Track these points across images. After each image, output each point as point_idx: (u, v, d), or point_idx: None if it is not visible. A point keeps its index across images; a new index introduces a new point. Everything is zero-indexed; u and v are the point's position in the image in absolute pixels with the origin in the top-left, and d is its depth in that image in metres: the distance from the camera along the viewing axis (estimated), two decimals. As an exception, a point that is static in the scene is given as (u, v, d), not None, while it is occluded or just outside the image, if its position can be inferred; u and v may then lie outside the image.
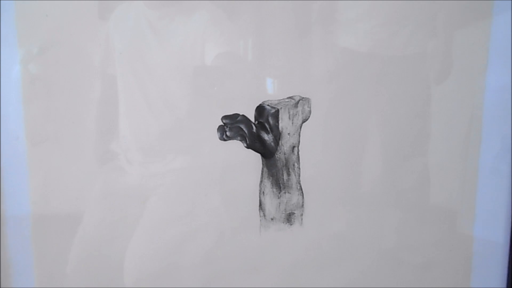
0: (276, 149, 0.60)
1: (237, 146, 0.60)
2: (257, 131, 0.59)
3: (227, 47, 0.58)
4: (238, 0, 0.57)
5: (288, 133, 0.60)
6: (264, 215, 0.62)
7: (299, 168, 0.61)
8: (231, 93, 0.59)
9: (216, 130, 0.59)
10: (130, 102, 0.58)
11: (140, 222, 0.61)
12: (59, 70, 0.57)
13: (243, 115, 0.58)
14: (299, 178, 0.61)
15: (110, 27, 0.57)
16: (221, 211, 0.61)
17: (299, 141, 0.60)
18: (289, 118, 0.60)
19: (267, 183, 0.61)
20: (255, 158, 0.60)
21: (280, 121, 0.59)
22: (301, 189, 0.62)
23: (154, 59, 0.58)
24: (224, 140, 0.59)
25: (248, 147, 0.59)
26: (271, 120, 0.59)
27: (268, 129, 0.59)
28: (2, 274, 0.60)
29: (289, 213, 0.62)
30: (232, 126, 0.58)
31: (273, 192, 0.61)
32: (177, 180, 0.60)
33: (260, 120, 0.59)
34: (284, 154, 0.60)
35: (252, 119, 0.59)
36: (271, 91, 0.59)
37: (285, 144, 0.60)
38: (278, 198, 0.61)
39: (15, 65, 0.57)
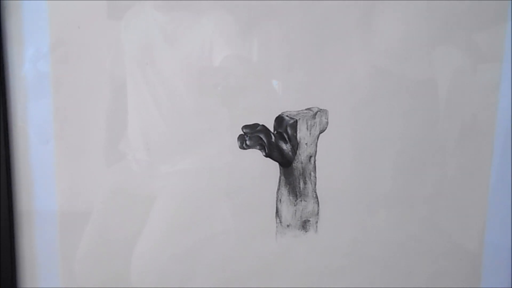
0: (294, 158, 0.62)
1: (256, 155, 0.61)
2: (276, 140, 0.61)
3: (236, 50, 0.60)
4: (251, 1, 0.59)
5: (306, 143, 0.62)
6: (281, 222, 0.63)
7: (315, 177, 0.63)
8: (240, 96, 0.60)
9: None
10: (139, 103, 0.60)
11: (150, 223, 0.62)
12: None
13: (262, 125, 0.60)
14: (315, 187, 0.63)
15: (120, 29, 0.58)
16: (238, 216, 0.63)
17: (316, 151, 0.62)
18: (307, 128, 0.61)
19: (284, 191, 0.63)
20: (273, 167, 0.62)
21: (298, 132, 0.61)
22: (317, 197, 0.63)
23: (163, 61, 0.59)
24: (244, 148, 0.60)
25: (266, 156, 0.61)
26: (289, 130, 0.61)
27: (287, 139, 0.61)
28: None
29: (305, 220, 0.64)
30: (252, 136, 0.60)
31: (290, 199, 0.63)
32: (190, 182, 0.62)
33: (279, 130, 0.61)
34: (301, 163, 0.62)
35: (265, 126, 0.61)
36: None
37: (303, 153, 0.62)
38: (294, 205, 0.63)
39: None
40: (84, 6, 0.57)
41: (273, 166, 0.62)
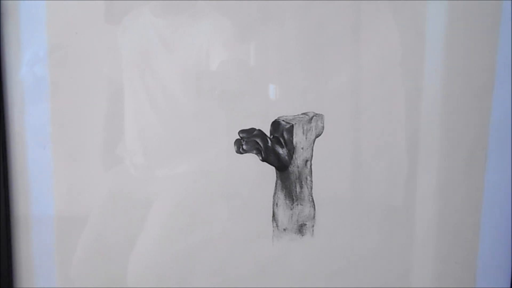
0: (290, 162, 0.62)
1: (252, 159, 0.62)
2: (272, 145, 0.61)
3: (233, 54, 0.60)
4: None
5: (302, 148, 0.62)
6: (277, 226, 0.64)
7: (312, 181, 0.63)
8: (237, 100, 0.61)
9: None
10: (136, 107, 0.60)
11: (147, 227, 0.63)
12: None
13: (259, 130, 0.61)
14: (311, 191, 0.63)
15: (117, 33, 0.59)
16: (235, 220, 0.63)
17: (312, 155, 0.63)
18: (303, 133, 0.62)
19: (281, 195, 0.63)
20: (269, 171, 0.63)
21: (294, 136, 0.62)
22: (313, 201, 0.64)
23: (161, 65, 0.59)
24: (241, 153, 0.61)
25: (263, 160, 0.62)
26: (285, 135, 0.61)
27: (283, 144, 0.62)
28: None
29: (301, 224, 0.64)
30: (248, 140, 0.60)
31: (286, 203, 0.63)
32: (187, 186, 0.62)
33: (275, 135, 0.61)
34: (298, 168, 0.63)
35: (261, 130, 0.61)
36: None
37: (299, 158, 0.63)
38: (291, 209, 0.64)
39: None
40: (82, 10, 0.58)
41: (270, 170, 0.63)
